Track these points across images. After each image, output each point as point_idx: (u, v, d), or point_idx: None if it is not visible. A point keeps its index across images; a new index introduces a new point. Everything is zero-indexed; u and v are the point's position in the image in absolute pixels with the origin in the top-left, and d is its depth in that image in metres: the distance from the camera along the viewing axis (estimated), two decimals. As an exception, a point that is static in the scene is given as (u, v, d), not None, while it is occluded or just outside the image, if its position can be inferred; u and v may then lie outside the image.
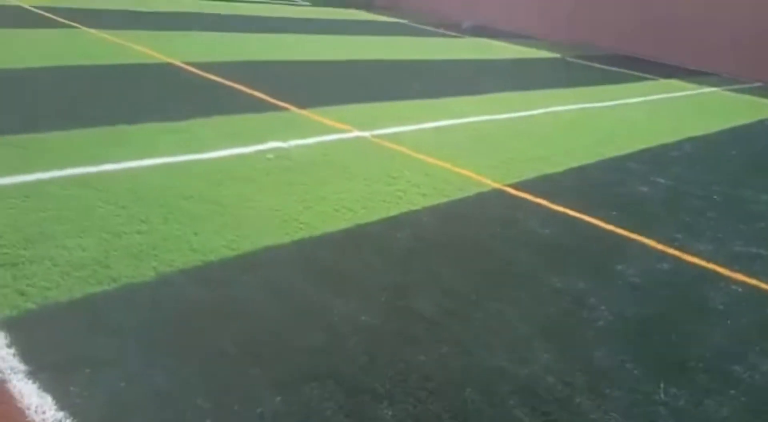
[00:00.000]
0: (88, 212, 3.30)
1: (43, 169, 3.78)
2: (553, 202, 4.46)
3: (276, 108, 5.97)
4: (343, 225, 3.64)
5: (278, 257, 3.15)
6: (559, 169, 5.29)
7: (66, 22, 9.24)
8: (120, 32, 8.88)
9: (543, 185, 4.81)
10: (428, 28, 15.96)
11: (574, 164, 5.48)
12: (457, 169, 4.88)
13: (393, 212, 3.93)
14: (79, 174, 3.79)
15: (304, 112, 5.94)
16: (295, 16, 14.77)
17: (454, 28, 16.48)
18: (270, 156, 4.59)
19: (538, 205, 4.40)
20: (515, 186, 4.70)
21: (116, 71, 6.69)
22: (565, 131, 6.72)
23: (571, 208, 4.38)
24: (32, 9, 10.09)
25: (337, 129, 5.54)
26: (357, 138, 5.39)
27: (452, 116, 6.61)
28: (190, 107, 5.60)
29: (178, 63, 7.39)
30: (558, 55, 13.70)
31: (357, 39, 12.27)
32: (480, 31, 16.46)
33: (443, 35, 14.87)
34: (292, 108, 6.03)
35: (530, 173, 5.05)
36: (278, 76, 7.72)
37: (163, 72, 6.99)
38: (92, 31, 8.76)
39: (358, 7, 19.09)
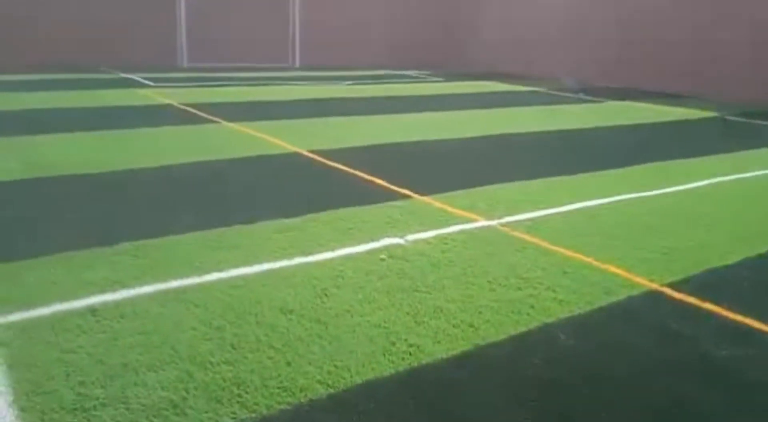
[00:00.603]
0: (177, 336, 3.02)
1: (147, 282, 3.62)
2: (727, 308, 3.57)
3: (396, 196, 5.61)
4: (460, 346, 3.07)
5: (378, 395, 2.63)
6: (731, 260, 4.35)
7: (208, 116, 9.75)
8: (255, 123, 9.18)
9: (712, 284, 3.93)
10: (566, 94, 15.24)
11: (750, 253, 4.50)
12: (602, 265, 4.15)
13: (522, 327, 3.30)
14: (181, 286, 3.58)
15: (426, 199, 5.52)
16: (427, 93, 14.73)
17: (568, 89, 15.64)
18: (383, 256, 4.16)
19: (709, 313, 3.54)
20: (676, 286, 3.87)
21: (244, 165, 6.75)
22: (733, 209, 5.69)
23: (754, 317, 3.47)
24: (181, 106, 10.82)
25: (461, 218, 5.04)
26: (483, 228, 4.85)
27: (595, 196, 5.86)
28: (308, 201, 5.39)
29: (304, 152, 7.37)
30: (714, 114, 12.35)
31: (490, 112, 11.86)
32: (584, 88, 15.46)
33: (581, 101, 14.07)
34: (414, 195, 5.64)
35: (694, 267, 4.18)
36: (403, 159, 7.44)
37: (289, 162, 6.96)
38: (231, 124, 9.12)
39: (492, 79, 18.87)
